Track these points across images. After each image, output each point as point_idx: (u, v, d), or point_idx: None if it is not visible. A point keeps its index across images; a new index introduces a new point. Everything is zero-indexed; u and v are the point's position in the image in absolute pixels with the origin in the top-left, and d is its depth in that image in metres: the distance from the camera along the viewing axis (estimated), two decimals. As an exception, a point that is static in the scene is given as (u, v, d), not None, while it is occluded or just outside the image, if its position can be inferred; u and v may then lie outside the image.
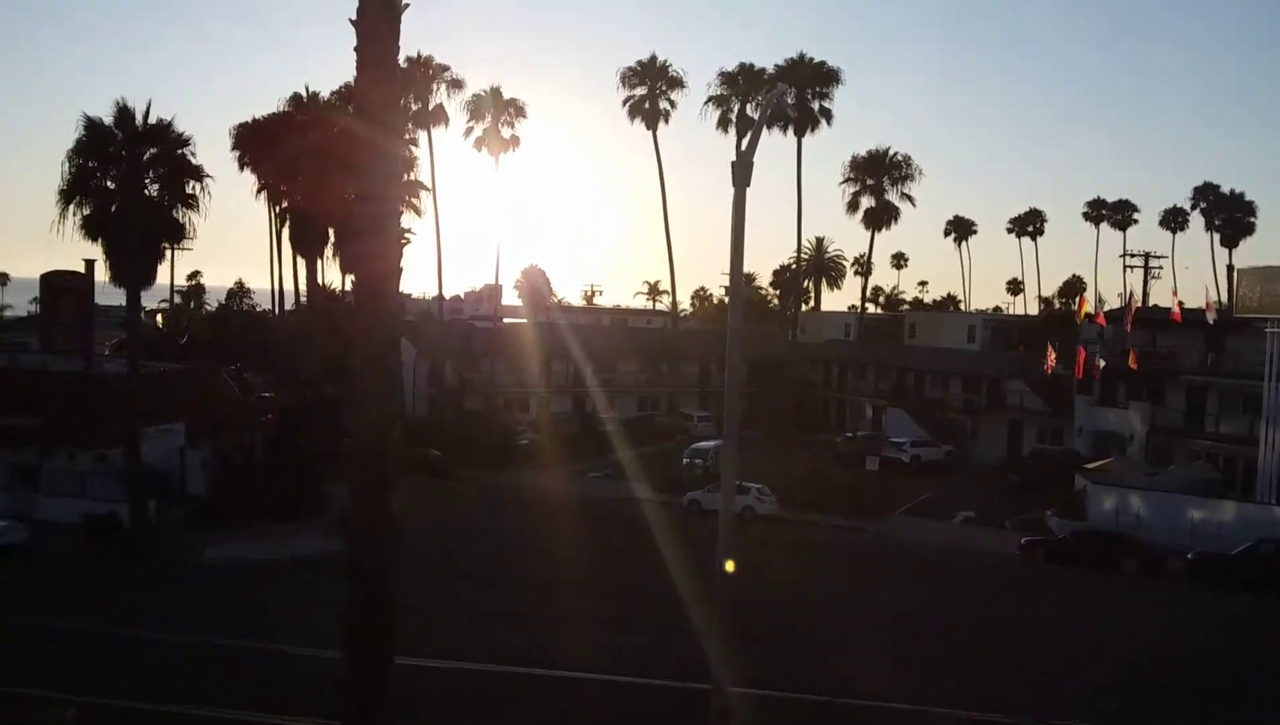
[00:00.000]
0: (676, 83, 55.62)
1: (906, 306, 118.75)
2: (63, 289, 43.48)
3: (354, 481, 11.63)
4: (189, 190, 33.64)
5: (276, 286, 73.86)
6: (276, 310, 77.94)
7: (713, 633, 13.63)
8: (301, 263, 59.71)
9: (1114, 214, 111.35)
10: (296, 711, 18.30)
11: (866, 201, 68.36)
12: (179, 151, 33.67)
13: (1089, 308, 54.55)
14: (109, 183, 33.06)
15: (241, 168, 59.61)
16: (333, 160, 40.04)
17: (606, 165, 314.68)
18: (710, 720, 12.81)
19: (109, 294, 40.71)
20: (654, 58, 55.43)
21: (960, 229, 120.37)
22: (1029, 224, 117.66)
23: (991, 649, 25.95)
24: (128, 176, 32.88)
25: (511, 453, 54.82)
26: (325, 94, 59.89)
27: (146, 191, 33.31)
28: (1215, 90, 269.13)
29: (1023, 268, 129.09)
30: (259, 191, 59.82)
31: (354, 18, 11.09)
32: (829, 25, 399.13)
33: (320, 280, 57.55)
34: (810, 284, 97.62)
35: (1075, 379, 53.03)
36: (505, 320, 77.65)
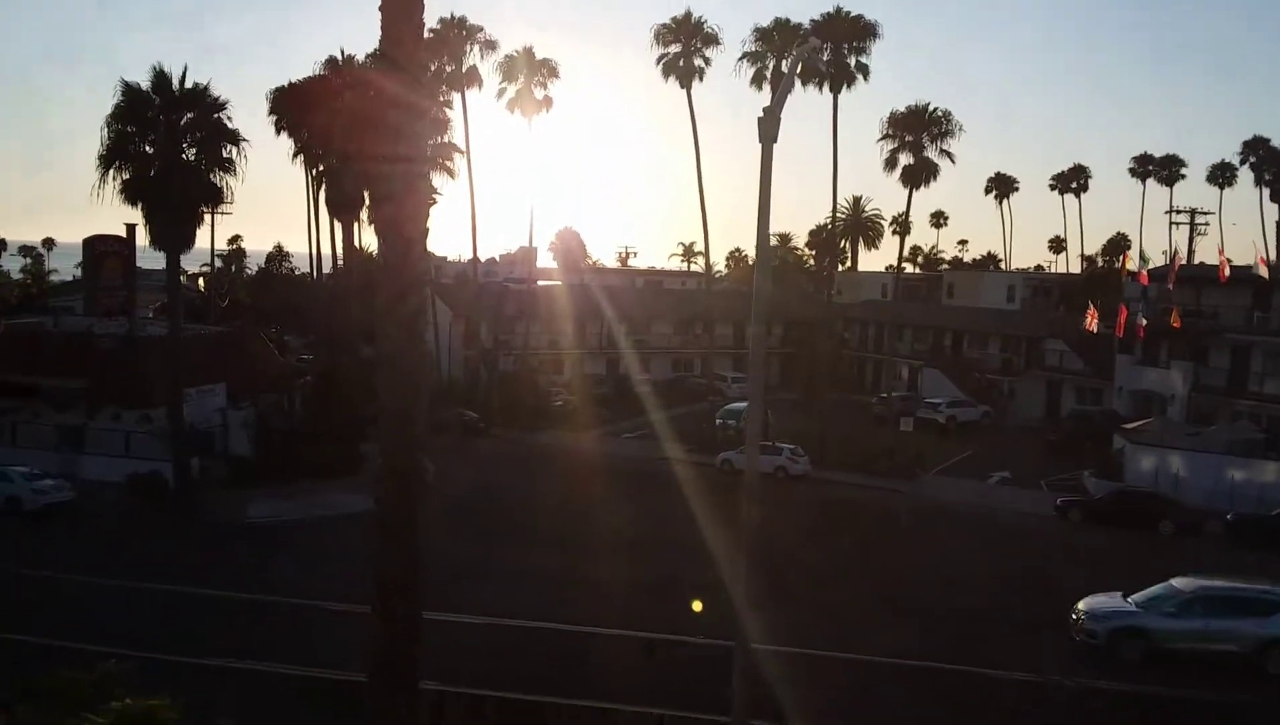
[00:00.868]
0: (711, 39, 54.66)
1: (945, 266, 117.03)
2: (105, 253, 44.33)
3: (383, 441, 11.86)
4: (226, 154, 33.95)
5: (314, 250, 74.47)
6: (315, 273, 78.66)
7: (737, 591, 13.77)
8: (339, 226, 60.12)
9: (1161, 169, 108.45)
10: (332, 664, 18.81)
11: (905, 159, 66.84)
12: (215, 116, 33.97)
13: (1132, 265, 53.45)
14: (147, 148, 33.47)
15: (279, 132, 59.99)
16: (366, 122, 40.12)
17: (641, 125, 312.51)
18: (733, 676, 12.99)
19: (151, 258, 41.42)
20: (689, 14, 54.53)
21: (1001, 186, 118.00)
22: (1072, 180, 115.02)
23: (1019, 607, 25.91)
24: (165, 141, 33.27)
25: (546, 414, 55.29)
26: (361, 57, 59.89)
27: (184, 156, 33.69)
28: (1265, 42, 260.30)
29: (1065, 225, 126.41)
30: (295, 155, 60.19)
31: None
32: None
33: (357, 243, 57.96)
34: (847, 244, 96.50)
35: (1116, 338, 52.22)
36: (540, 282, 77.77)
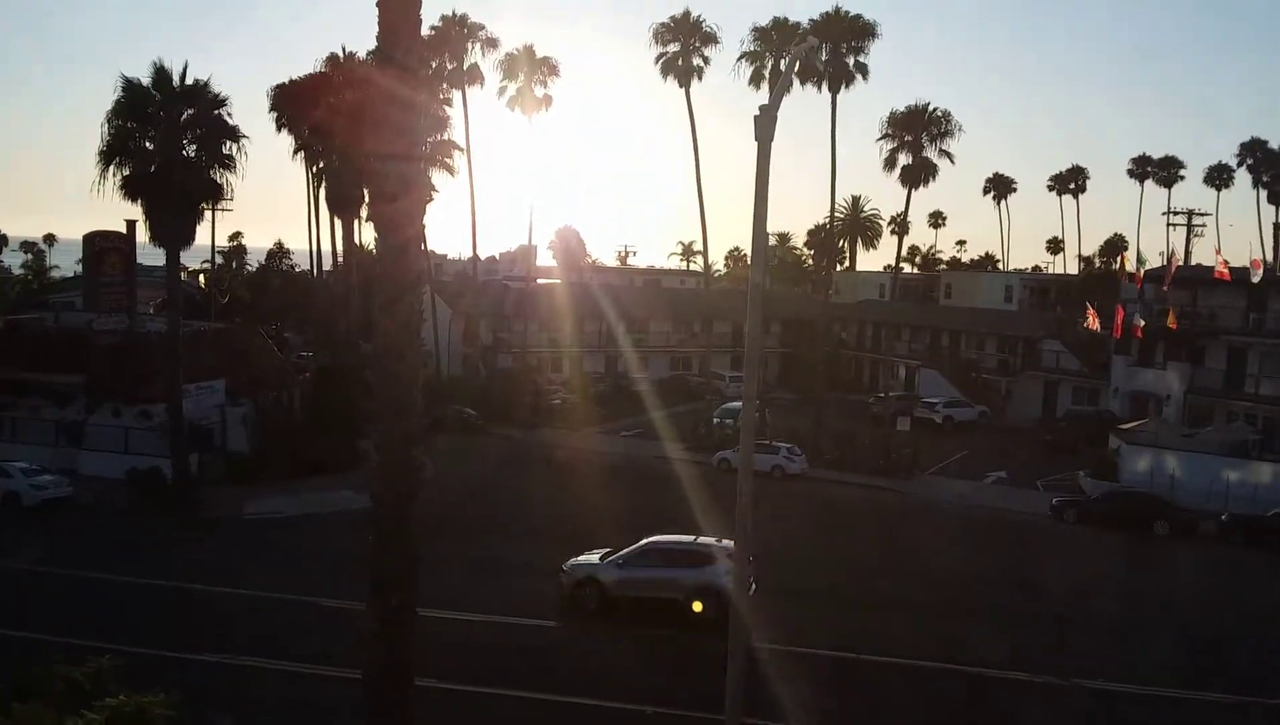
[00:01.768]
0: (710, 38, 54.72)
1: (943, 266, 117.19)
2: (105, 249, 44.43)
3: (380, 438, 11.96)
4: (226, 151, 34.08)
5: (314, 247, 74.61)
6: (315, 271, 78.81)
7: (735, 591, 13.88)
8: (339, 223, 60.23)
9: (1159, 171, 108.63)
10: (329, 661, 18.93)
11: (904, 158, 67.36)
12: (215, 112, 34.10)
13: (1130, 266, 53.59)
14: (147, 143, 33.61)
15: (279, 129, 60.12)
16: (365, 119, 40.25)
17: (640, 125, 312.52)
18: (727, 674, 13.11)
19: (151, 255, 41.52)
20: (687, 13, 54.62)
21: (1000, 187, 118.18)
22: (1070, 181, 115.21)
23: (1013, 607, 26.05)
24: (166, 137, 33.40)
25: (545, 411, 55.44)
26: (362, 54, 59.96)
27: (185, 152, 33.80)
28: (1264, 44, 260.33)
29: (1063, 226, 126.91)
30: (296, 152, 60.31)
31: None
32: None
33: (357, 240, 58.07)
34: (845, 243, 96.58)
35: (1113, 339, 52.37)
36: (539, 281, 77.87)
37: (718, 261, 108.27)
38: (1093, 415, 53.71)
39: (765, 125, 12.84)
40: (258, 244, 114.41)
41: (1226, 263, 48.97)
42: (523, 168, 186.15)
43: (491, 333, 66.31)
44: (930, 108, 68.09)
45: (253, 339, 50.39)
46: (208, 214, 42.83)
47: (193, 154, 33.93)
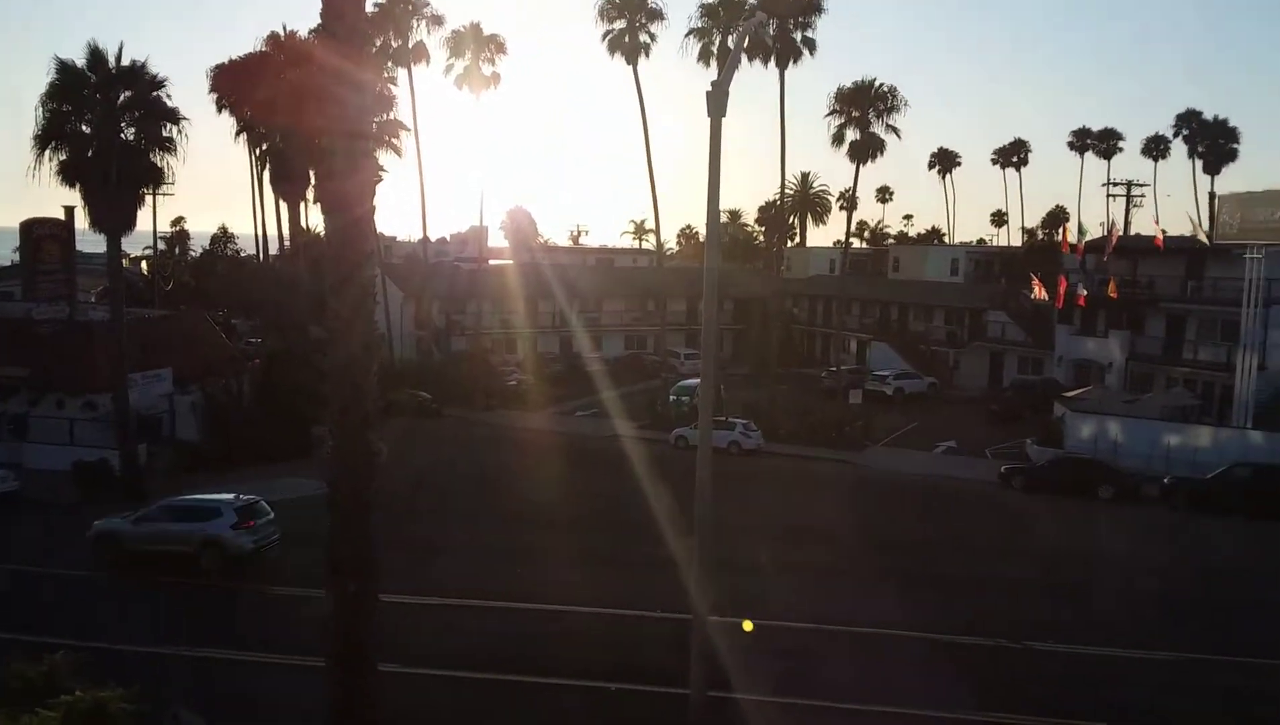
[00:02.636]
0: (656, 15, 54.54)
1: (891, 240, 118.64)
2: (43, 236, 43.32)
3: (333, 422, 11.90)
4: (166, 133, 33.30)
5: (260, 231, 73.25)
6: (261, 255, 77.43)
7: (694, 564, 14.07)
8: (284, 206, 59.23)
9: (1099, 143, 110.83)
10: (285, 649, 18.82)
11: (851, 134, 67.60)
12: (154, 94, 33.27)
13: (1071, 237, 54.77)
14: (84, 127, 32.72)
15: (220, 110, 58.77)
16: (310, 98, 39.64)
17: (590, 103, 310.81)
18: (691, 648, 13.32)
19: (91, 242, 40.56)
20: (632, -11, 54.60)
21: (945, 161, 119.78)
22: (1013, 155, 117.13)
23: (964, 573, 26.67)
24: (103, 120, 32.53)
25: (500, 393, 55.29)
26: (304, 32, 58.82)
27: (123, 135, 32.97)
28: (1199, 15, 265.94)
29: (1006, 199, 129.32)
30: (238, 133, 59.11)
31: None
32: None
33: (303, 222, 57.17)
34: (796, 220, 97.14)
35: (1056, 309, 53.52)
36: (491, 261, 77.41)
37: (670, 240, 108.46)
38: (1038, 384, 54.91)
39: (717, 102, 12.97)
40: (201, 229, 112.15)
41: (1164, 232, 50.28)
42: (472, 147, 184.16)
43: (444, 315, 65.81)
44: (876, 83, 68.35)
45: (199, 326, 49.54)
46: (148, 199, 41.89)
47: (131, 137, 33.08)
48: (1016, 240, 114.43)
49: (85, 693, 11.92)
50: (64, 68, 32.03)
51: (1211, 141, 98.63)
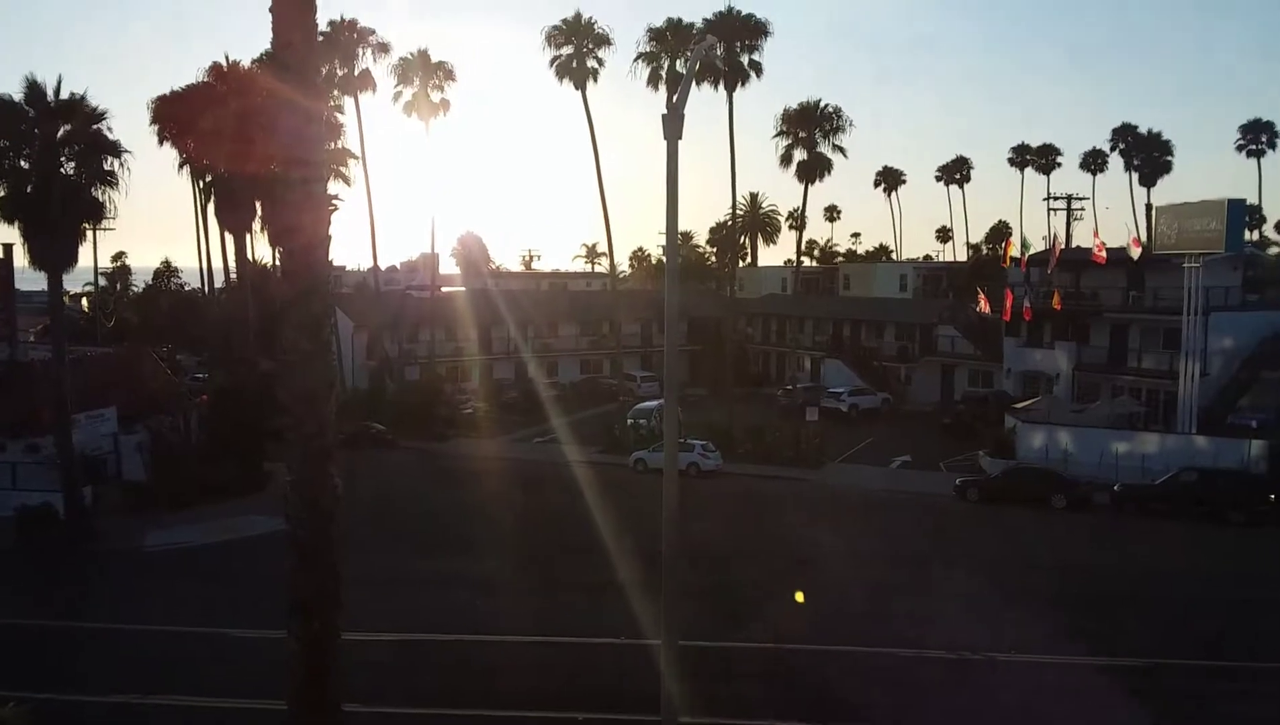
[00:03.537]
0: (603, 40, 55.06)
1: (841, 258, 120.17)
2: (-21, 274, 42.08)
3: (292, 456, 11.62)
4: (107, 167, 32.66)
5: (204, 264, 72.00)
6: (206, 288, 76.10)
7: (663, 589, 13.97)
8: (230, 238, 58.34)
9: (1038, 158, 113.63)
10: (244, 694, 18.32)
11: (799, 154, 68.97)
12: (94, 127, 32.63)
13: (1015, 251, 55.87)
14: (22, 162, 31.97)
15: (161, 142, 57.77)
16: (256, 128, 39.18)
17: (540, 128, 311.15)
18: (661, 675, 13.19)
19: (31, 279, 39.52)
20: (579, 15, 54.90)
21: (890, 179, 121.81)
22: (956, 171, 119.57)
23: (920, 586, 26.86)
24: (42, 155, 31.80)
25: (455, 422, 54.79)
26: (246, 63, 58.22)
27: (63, 170, 32.28)
28: (1131, 29, 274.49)
29: (951, 215, 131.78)
30: (181, 166, 58.11)
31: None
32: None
33: (250, 255, 56.36)
34: (746, 240, 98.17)
35: (1003, 322, 54.47)
36: (443, 289, 76.87)
37: (623, 263, 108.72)
38: (988, 397, 55.80)
39: (673, 125, 13.01)
40: (143, 263, 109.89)
41: (1104, 245, 51.49)
42: (422, 174, 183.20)
43: (396, 344, 65.16)
44: (822, 104, 69.86)
45: (143, 362, 48.38)
46: (89, 234, 41.05)
47: (72, 171, 32.42)
48: (962, 255, 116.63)
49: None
50: (1, 102, 31.31)
51: (1147, 155, 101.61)
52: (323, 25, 60.43)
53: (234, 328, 54.56)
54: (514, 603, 24.70)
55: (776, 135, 68.99)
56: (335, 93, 59.59)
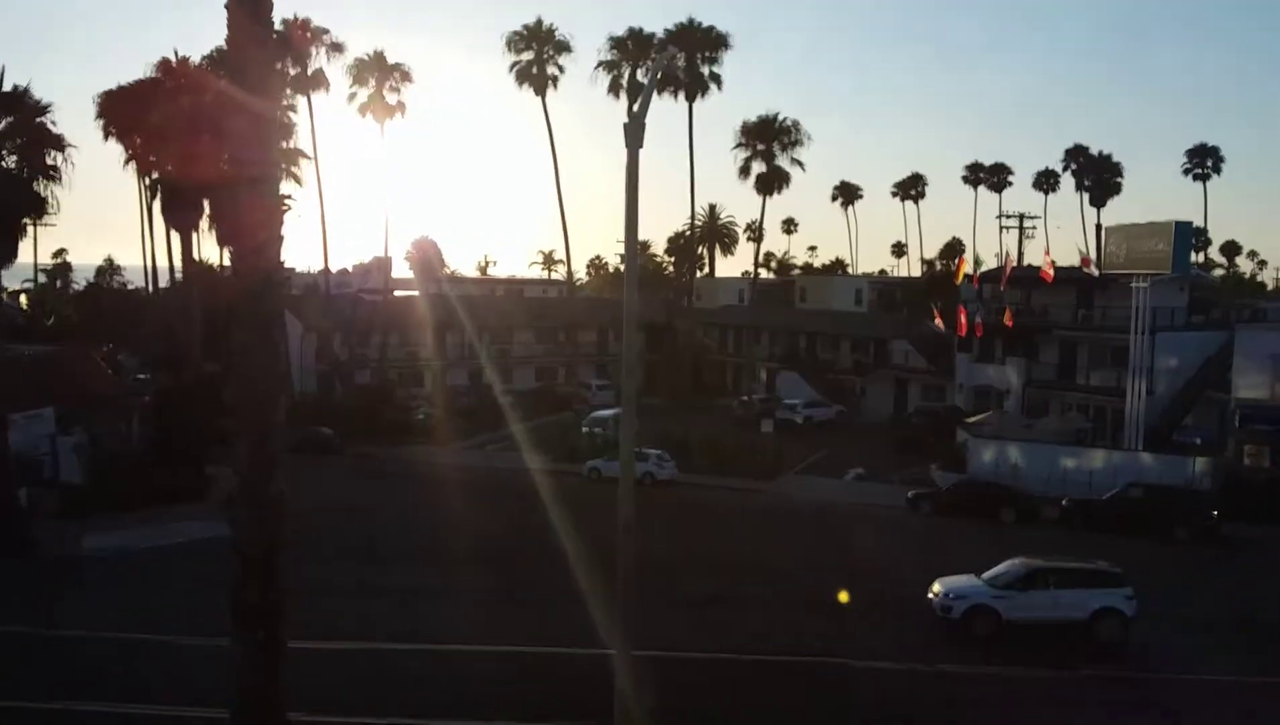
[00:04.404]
0: (564, 47, 54.99)
1: (798, 271, 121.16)
2: (-88, 269, 40.53)
3: (238, 461, 11.23)
4: (50, 161, 31.68)
5: (149, 263, 70.50)
6: (150, 288, 74.42)
7: (618, 598, 13.72)
8: (175, 237, 57.08)
9: (991, 176, 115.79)
10: (185, 701, 17.69)
11: (757, 167, 69.21)
12: (37, 120, 31.68)
13: (967, 268, 56.65)
14: (-39, 155, 30.90)
15: (107, 137, 56.39)
16: (206, 126, 38.35)
17: (499, 133, 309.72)
18: (615, 684, 12.92)
19: (-36, 274, 38.18)
20: (539, 21, 54.77)
21: (847, 194, 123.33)
22: (911, 188, 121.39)
23: (869, 596, 26.86)
24: (-19, 148, 30.77)
25: (407, 427, 54.01)
26: (196, 59, 57.08)
27: (4, 163, 31.26)
28: (1083, 53, 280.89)
29: (906, 231, 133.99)
30: (127, 162, 56.73)
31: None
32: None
33: (196, 254, 55.08)
34: (704, 250, 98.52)
35: (956, 337, 55.14)
36: (396, 293, 75.90)
37: (579, 270, 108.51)
38: (941, 411, 56.41)
39: (634, 133, 12.82)
40: (85, 261, 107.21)
41: (1053, 263, 52.30)
42: (376, 177, 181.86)
43: (346, 347, 64.14)
44: (780, 117, 70.19)
45: (83, 362, 46.95)
46: (30, 229, 39.76)
47: (13, 165, 31.41)
48: (916, 270, 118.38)
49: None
50: (-62, 92, 30.25)
51: (1097, 176, 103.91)
52: (276, 24, 59.94)
53: (178, 328, 53.25)
54: (466, 611, 24.22)
55: (735, 147, 69.16)
56: (288, 91, 58.64)
